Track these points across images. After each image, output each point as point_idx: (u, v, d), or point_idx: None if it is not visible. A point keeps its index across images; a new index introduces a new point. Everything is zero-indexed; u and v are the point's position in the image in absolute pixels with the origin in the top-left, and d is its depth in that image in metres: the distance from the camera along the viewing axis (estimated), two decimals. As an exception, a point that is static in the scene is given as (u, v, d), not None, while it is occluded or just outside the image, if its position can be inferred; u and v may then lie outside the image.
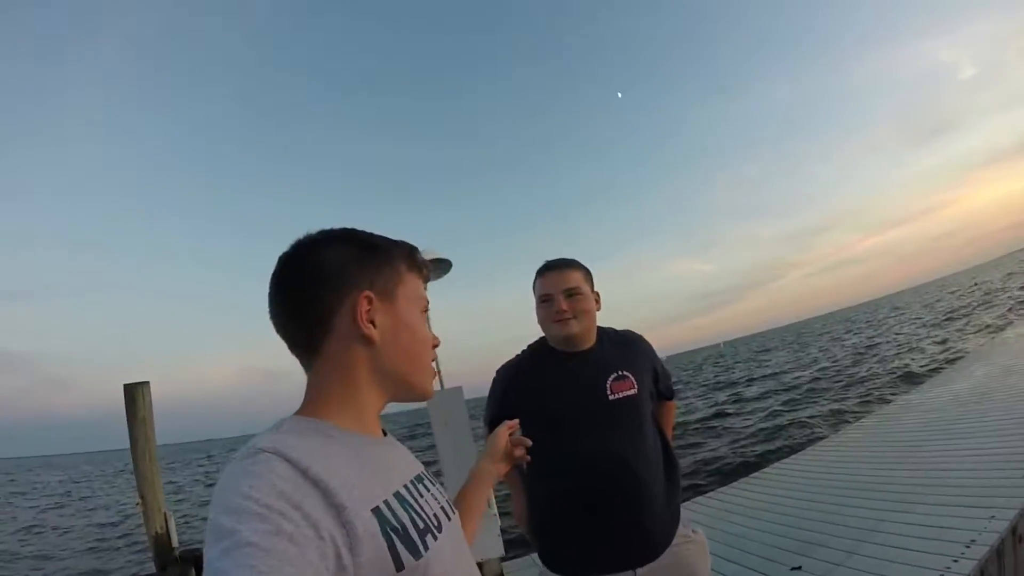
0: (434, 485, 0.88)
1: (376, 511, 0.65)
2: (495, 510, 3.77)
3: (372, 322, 0.78)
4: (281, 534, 0.53)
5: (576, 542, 1.64)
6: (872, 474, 4.52)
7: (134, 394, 5.28)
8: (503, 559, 3.96)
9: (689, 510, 4.81)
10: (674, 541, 1.66)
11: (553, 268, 1.73)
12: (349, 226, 0.85)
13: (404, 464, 0.83)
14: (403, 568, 0.64)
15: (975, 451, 4.34)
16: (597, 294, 1.77)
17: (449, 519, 0.83)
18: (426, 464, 0.96)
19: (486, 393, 1.85)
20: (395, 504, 0.70)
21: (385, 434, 0.87)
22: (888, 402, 9.24)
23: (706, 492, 5.47)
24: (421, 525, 0.71)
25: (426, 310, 0.89)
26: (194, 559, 4.84)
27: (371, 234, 0.86)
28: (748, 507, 4.54)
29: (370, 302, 0.78)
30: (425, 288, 0.91)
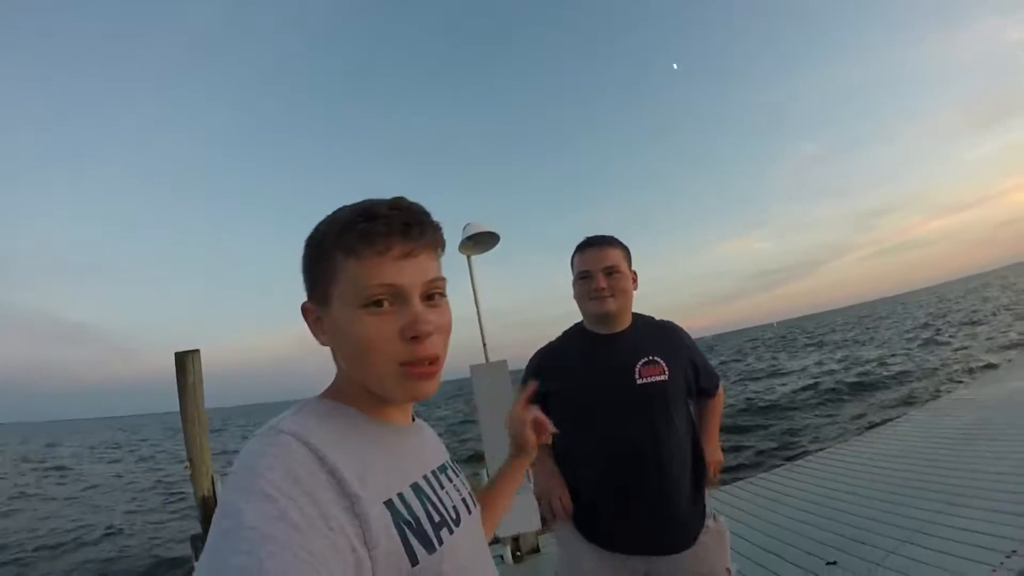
0: (457, 476, 0.85)
1: (389, 504, 0.64)
2: (534, 483, 3.83)
3: (323, 330, 0.74)
4: (286, 520, 0.52)
5: (598, 522, 1.68)
6: (918, 471, 4.41)
7: (184, 361, 5.49)
8: (539, 533, 4.04)
9: (730, 495, 4.82)
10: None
11: (593, 245, 1.73)
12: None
13: (427, 453, 0.81)
14: (418, 563, 0.63)
15: (1022, 456, 4.21)
16: (635, 273, 1.77)
17: (470, 512, 0.80)
18: (468, 440, 0.93)
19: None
20: (411, 496, 0.68)
21: (414, 419, 0.85)
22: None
23: (749, 477, 5.46)
24: (437, 519, 0.69)
25: (380, 299, 0.67)
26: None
27: (325, 220, 0.72)
28: (790, 496, 4.50)
29: (311, 311, 0.74)
30: (399, 257, 0.68)
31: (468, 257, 4.31)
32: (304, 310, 0.74)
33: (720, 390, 1.93)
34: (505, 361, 4.17)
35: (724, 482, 5.37)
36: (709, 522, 1.70)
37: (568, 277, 1.81)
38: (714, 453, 1.89)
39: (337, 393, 0.75)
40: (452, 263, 4.53)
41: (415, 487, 0.70)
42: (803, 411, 13.81)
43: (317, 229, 0.72)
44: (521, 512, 3.69)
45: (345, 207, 0.72)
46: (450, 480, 0.81)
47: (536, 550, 4.03)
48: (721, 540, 1.70)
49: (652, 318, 1.83)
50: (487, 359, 4.27)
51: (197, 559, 4.54)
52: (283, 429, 0.62)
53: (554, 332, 1.89)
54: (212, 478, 5.30)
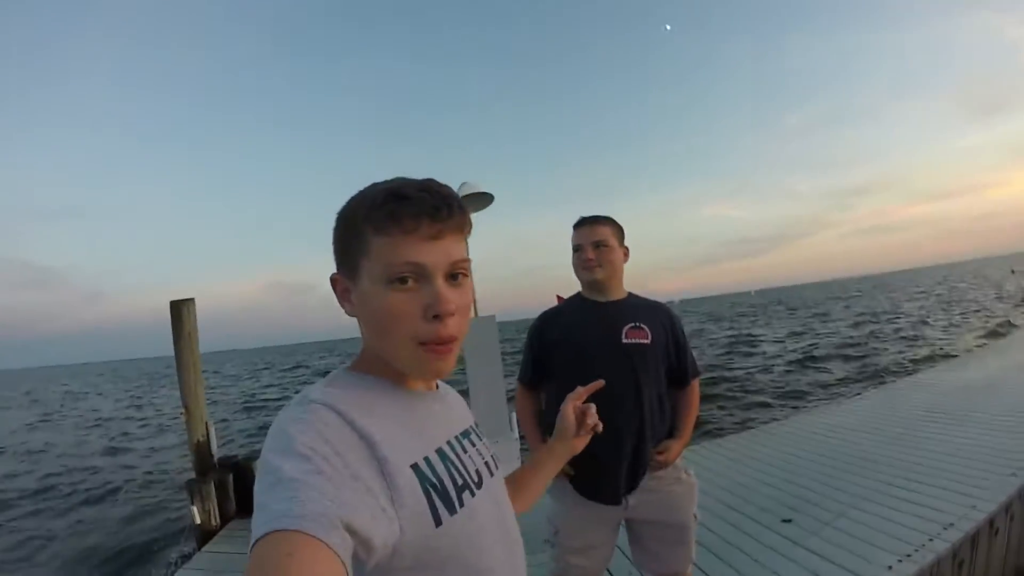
0: (480, 440, 0.89)
1: (415, 467, 0.68)
2: (517, 433, 4.04)
3: (351, 301, 0.77)
4: (322, 474, 0.57)
5: (584, 472, 1.89)
6: (872, 445, 4.74)
7: (180, 310, 5.57)
8: None
9: (698, 453, 5.17)
10: (666, 480, 1.94)
11: (585, 223, 1.97)
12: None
13: (451, 418, 0.85)
14: (441, 524, 0.67)
15: (971, 440, 4.51)
16: (626, 248, 2.01)
17: (492, 475, 0.84)
18: (459, 391, 0.99)
19: (522, 317, 2.13)
20: (436, 460, 0.72)
21: (438, 386, 0.88)
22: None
23: (720, 437, 5.88)
24: (460, 481, 0.73)
25: (405, 276, 0.70)
26: (232, 466, 5.23)
27: (356, 196, 0.75)
28: (753, 457, 4.86)
29: (340, 283, 0.77)
30: (426, 238, 0.70)
31: None
32: (333, 281, 0.78)
33: (695, 383, 2.08)
34: (493, 315, 4.37)
35: (695, 440, 5.74)
36: (682, 475, 1.98)
37: (557, 229, 2.06)
38: (675, 445, 1.96)
39: (364, 364, 0.79)
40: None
41: (439, 452, 0.74)
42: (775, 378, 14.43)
43: (348, 205, 0.75)
44: (504, 459, 3.93)
45: (377, 184, 0.74)
46: (473, 444, 0.84)
47: None
48: (691, 492, 1.98)
49: (647, 298, 2.07)
50: (476, 313, 4.40)
51: (192, 503, 4.71)
52: (313, 399, 0.67)
53: (540, 285, 2.13)
54: (207, 424, 5.43)
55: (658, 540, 1.95)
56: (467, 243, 0.80)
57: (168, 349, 5.65)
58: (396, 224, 0.69)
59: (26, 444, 16.62)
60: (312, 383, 0.73)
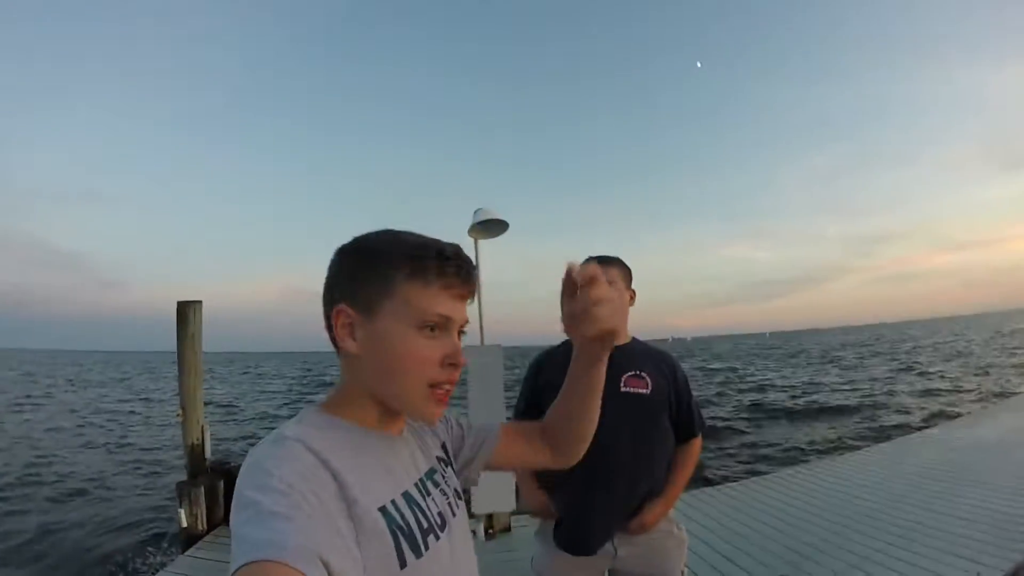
0: (444, 479, 0.89)
1: (383, 510, 0.70)
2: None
3: (354, 336, 0.77)
4: (300, 509, 0.58)
5: (571, 517, 1.83)
6: (877, 501, 4.60)
7: (186, 312, 5.56)
8: (513, 513, 4.22)
9: (698, 498, 5.03)
10: (656, 534, 1.84)
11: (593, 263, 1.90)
12: (386, 227, 0.82)
13: (417, 461, 0.86)
14: (406, 566, 0.69)
15: (978, 503, 4.37)
16: (633, 292, 1.92)
17: (454, 515, 0.86)
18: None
19: (528, 343, 2.07)
20: (402, 504, 0.74)
21: (404, 430, 0.89)
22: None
23: (717, 484, 5.73)
24: (425, 525, 0.76)
25: (434, 325, 0.76)
26: (223, 472, 5.20)
27: (384, 238, 0.79)
28: (753, 507, 4.71)
29: (346, 316, 0.77)
30: (457, 296, 0.79)
31: (475, 241, 4.45)
32: (337, 312, 0.77)
33: (697, 441, 1.96)
34: (499, 345, 4.33)
35: (691, 487, 5.61)
36: (673, 529, 1.89)
37: (570, 256, 2.00)
38: (657, 507, 1.84)
39: (336, 405, 0.80)
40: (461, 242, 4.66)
41: (406, 495, 0.76)
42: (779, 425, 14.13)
43: (374, 244, 0.78)
44: (496, 491, 3.87)
45: (405, 234, 0.80)
46: (436, 485, 0.86)
47: (508, 529, 4.20)
48: (681, 547, 1.89)
49: (652, 345, 1.97)
50: (482, 341, 4.39)
51: (181, 504, 4.67)
52: (288, 436, 0.69)
53: (552, 313, 2.08)
54: (202, 428, 5.40)
55: None
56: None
57: (174, 345, 5.63)
58: (439, 278, 0.76)
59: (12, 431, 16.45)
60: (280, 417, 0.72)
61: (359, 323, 0.77)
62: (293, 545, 0.54)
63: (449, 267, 0.77)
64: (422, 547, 0.73)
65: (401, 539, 0.70)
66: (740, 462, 10.37)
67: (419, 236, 0.80)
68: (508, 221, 4.35)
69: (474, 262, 0.84)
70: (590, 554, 1.80)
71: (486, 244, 4.56)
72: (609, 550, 1.81)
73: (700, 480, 7.17)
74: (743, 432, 13.23)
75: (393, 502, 0.73)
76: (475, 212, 4.30)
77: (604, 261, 1.89)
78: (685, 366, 2.05)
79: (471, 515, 4.08)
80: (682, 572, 1.87)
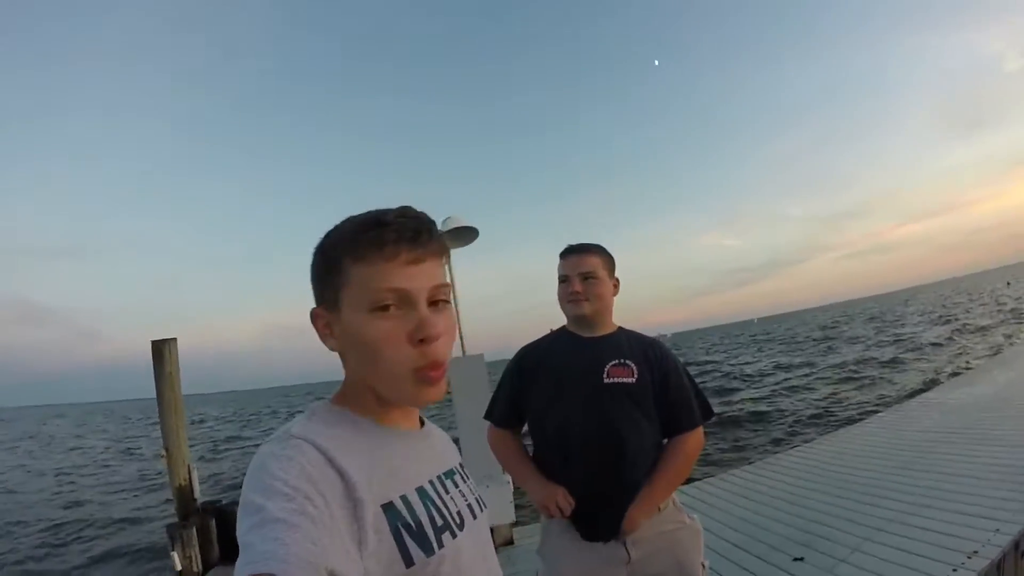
0: (465, 481, 0.86)
1: (389, 506, 0.67)
2: (508, 477, 3.90)
3: (333, 334, 0.76)
4: (305, 514, 0.56)
5: (577, 513, 1.71)
6: (884, 472, 4.53)
7: (161, 350, 5.43)
8: (513, 524, 4.15)
9: (700, 490, 4.93)
10: (668, 526, 1.73)
11: (573, 252, 1.82)
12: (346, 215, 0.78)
13: (435, 458, 0.83)
14: (413, 564, 0.65)
15: (987, 460, 4.32)
16: (616, 280, 1.85)
17: (475, 517, 0.82)
18: (446, 429, 0.95)
19: (509, 357, 1.97)
20: (414, 499, 0.70)
21: (423, 423, 0.87)
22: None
23: (723, 472, 5.58)
24: (440, 523, 0.72)
25: (388, 303, 0.69)
26: (215, 511, 5.04)
27: (336, 228, 0.75)
28: (760, 491, 4.61)
29: (321, 316, 0.76)
30: (408, 263, 0.71)
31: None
32: (314, 316, 0.76)
33: (696, 432, 1.79)
34: (482, 355, 4.27)
35: (694, 478, 5.49)
36: (685, 518, 1.77)
37: (546, 266, 1.92)
38: (641, 505, 1.68)
39: (344, 399, 0.77)
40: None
41: (420, 491, 0.72)
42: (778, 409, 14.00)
43: (327, 237, 0.75)
44: (496, 504, 3.75)
45: (354, 216, 0.75)
46: (456, 485, 0.82)
47: (510, 542, 4.12)
48: (696, 538, 1.77)
49: (640, 334, 1.88)
50: (464, 352, 4.35)
51: (173, 548, 4.52)
52: (294, 434, 0.66)
53: (533, 320, 1.98)
54: (188, 467, 5.25)
55: None
56: (446, 268, 0.80)
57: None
58: (377, 251, 0.69)
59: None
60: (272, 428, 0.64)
61: (333, 320, 0.74)
62: (296, 557, 0.52)
63: (388, 234, 0.70)
64: (434, 544, 0.69)
65: (407, 537, 0.66)
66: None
67: (368, 213, 0.74)
68: (478, 228, 4.31)
69: (435, 225, 0.76)
70: (600, 540, 1.69)
71: (458, 254, 4.51)
72: (622, 554, 1.68)
73: (702, 465, 7.07)
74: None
75: (404, 498, 0.69)
76: (444, 221, 4.26)
77: (582, 249, 1.82)
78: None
79: None
80: (702, 565, 1.75)
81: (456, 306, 4.47)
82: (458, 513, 0.77)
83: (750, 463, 5.77)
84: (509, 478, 3.90)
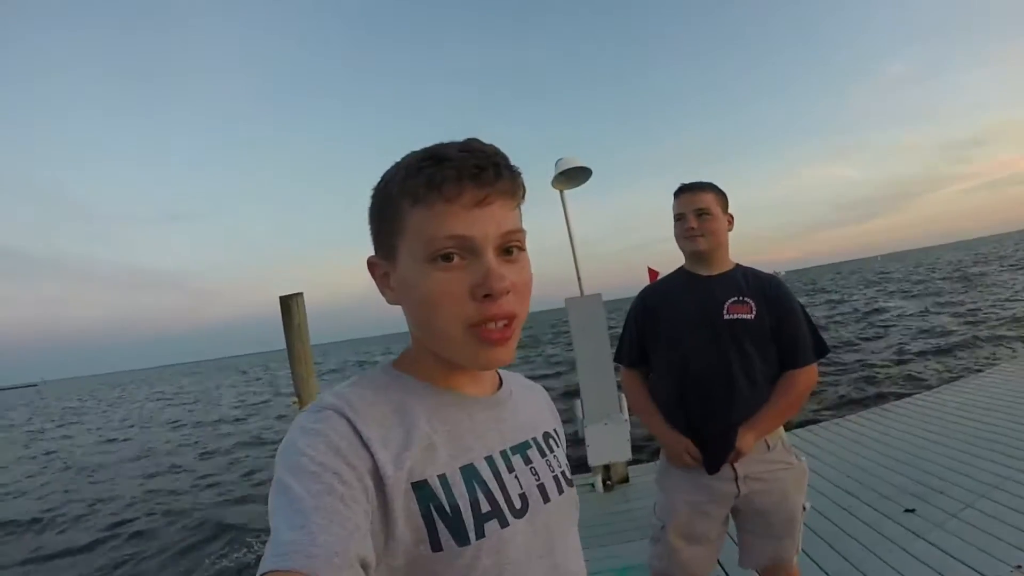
0: (545, 455, 0.75)
1: (421, 486, 0.60)
2: (627, 415, 4.04)
3: (391, 286, 0.69)
4: (333, 494, 0.53)
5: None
6: (1003, 425, 4.33)
7: (289, 304, 5.90)
8: (629, 463, 4.29)
9: (813, 434, 4.91)
10: (775, 466, 1.82)
11: (686, 190, 1.89)
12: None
13: (505, 429, 0.72)
14: (440, 549, 0.59)
15: None
16: (731, 216, 1.91)
17: (548, 500, 0.71)
18: (562, 372, 0.80)
19: (626, 295, 2.12)
20: (455, 480, 0.62)
21: (501, 387, 0.78)
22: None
23: (839, 416, 5.52)
24: (486, 508, 0.63)
25: (450, 252, 0.61)
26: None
27: (393, 167, 0.67)
28: (875, 439, 4.54)
29: (379, 267, 0.70)
30: (472, 205, 0.61)
31: (561, 192, 4.43)
32: (370, 265, 0.70)
33: (808, 369, 1.84)
34: (599, 294, 4.34)
35: (808, 421, 5.49)
36: (792, 460, 1.85)
37: (663, 201, 2.01)
38: (752, 426, 1.77)
39: (405, 362, 0.72)
40: (547, 197, 4.43)
41: (467, 469, 0.64)
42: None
43: (383, 177, 0.67)
44: (613, 442, 3.94)
45: (413, 152, 0.65)
46: (529, 461, 0.72)
47: (626, 480, 4.25)
48: (801, 480, 1.86)
49: (757, 271, 1.93)
50: (581, 292, 4.39)
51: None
52: (326, 404, 0.61)
53: (642, 262, 2.08)
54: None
55: (763, 533, 1.85)
56: (520, 211, 0.68)
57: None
58: (435, 192, 0.60)
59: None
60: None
61: (391, 271, 0.68)
62: (322, 550, 0.48)
63: (444, 172, 0.60)
64: (471, 534, 0.60)
65: (439, 521, 0.59)
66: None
67: (427, 148, 0.64)
68: (591, 168, 4.27)
69: (507, 159, 0.64)
70: (714, 471, 1.80)
71: (572, 194, 4.51)
72: (732, 488, 1.80)
73: (814, 409, 6.90)
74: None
75: (442, 477, 0.61)
76: (556, 162, 4.25)
77: (696, 187, 1.88)
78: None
79: (587, 468, 4.19)
80: (804, 507, 1.85)
81: (572, 248, 4.49)
82: (520, 496, 0.67)
83: (867, 408, 5.65)
84: (627, 416, 4.02)
